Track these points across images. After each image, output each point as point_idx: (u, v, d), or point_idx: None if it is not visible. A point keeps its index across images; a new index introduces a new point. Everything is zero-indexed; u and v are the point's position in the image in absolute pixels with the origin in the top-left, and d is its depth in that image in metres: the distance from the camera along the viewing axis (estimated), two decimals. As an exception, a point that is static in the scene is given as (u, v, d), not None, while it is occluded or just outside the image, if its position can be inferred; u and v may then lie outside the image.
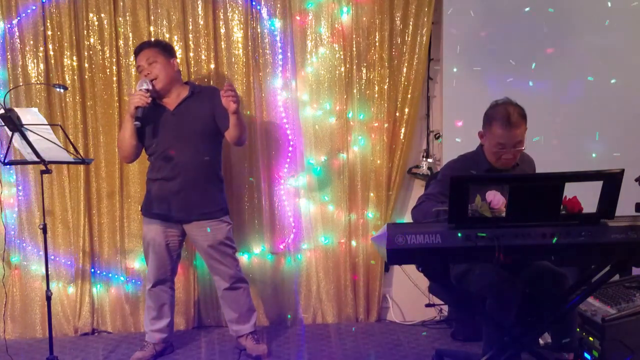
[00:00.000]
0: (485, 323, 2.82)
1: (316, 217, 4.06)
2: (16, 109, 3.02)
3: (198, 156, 3.41)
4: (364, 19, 3.90)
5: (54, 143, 3.07)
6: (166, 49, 3.48)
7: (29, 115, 3.02)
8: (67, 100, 3.89)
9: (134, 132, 3.36)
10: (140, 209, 3.66)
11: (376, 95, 3.97)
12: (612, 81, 3.89)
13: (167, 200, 3.42)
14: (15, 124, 2.97)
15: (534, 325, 2.78)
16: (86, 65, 3.88)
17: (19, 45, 3.85)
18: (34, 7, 3.82)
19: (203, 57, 3.89)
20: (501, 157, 2.86)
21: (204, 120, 3.42)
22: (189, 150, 3.39)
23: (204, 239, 3.47)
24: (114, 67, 3.87)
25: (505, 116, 2.80)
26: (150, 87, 3.35)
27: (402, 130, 3.97)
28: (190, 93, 3.47)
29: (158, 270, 3.52)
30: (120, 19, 3.87)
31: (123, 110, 3.90)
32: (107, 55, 3.87)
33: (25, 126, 2.99)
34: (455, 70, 3.91)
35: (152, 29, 3.87)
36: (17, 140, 3.09)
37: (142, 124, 3.33)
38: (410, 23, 3.89)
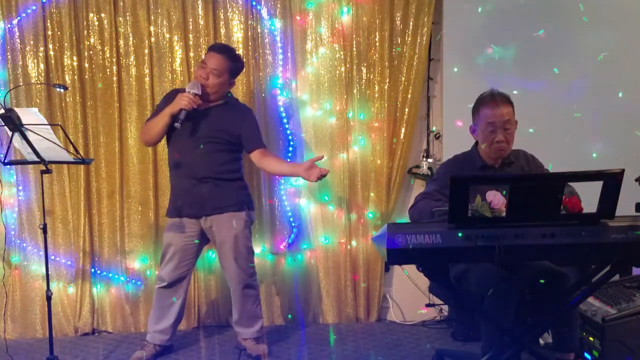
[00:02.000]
0: (485, 323, 2.82)
1: (316, 217, 4.06)
2: (16, 109, 3.01)
3: (217, 156, 3.40)
4: (364, 19, 3.90)
5: (54, 143, 3.07)
6: (235, 71, 3.47)
7: (29, 115, 3.02)
8: (67, 100, 3.89)
9: (167, 127, 3.35)
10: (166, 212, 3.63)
11: (376, 95, 3.97)
12: (614, 81, 3.89)
13: (185, 197, 3.42)
14: (15, 124, 2.97)
15: (534, 325, 2.78)
16: (86, 65, 3.88)
17: (19, 45, 3.85)
18: (34, 7, 3.82)
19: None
20: (494, 142, 2.86)
21: (227, 130, 3.40)
22: (209, 150, 3.37)
23: (221, 233, 3.43)
24: (114, 67, 3.87)
25: (490, 97, 2.91)
26: (199, 93, 3.32)
27: (402, 130, 3.97)
28: (224, 102, 3.47)
29: (172, 273, 3.47)
30: (120, 19, 3.87)
31: (123, 110, 3.90)
32: (107, 55, 3.87)
33: (25, 126, 2.99)
34: (455, 70, 3.92)
35: (152, 29, 3.87)
36: (17, 140, 3.08)
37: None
38: (410, 23, 3.89)
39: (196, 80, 3.38)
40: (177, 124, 3.28)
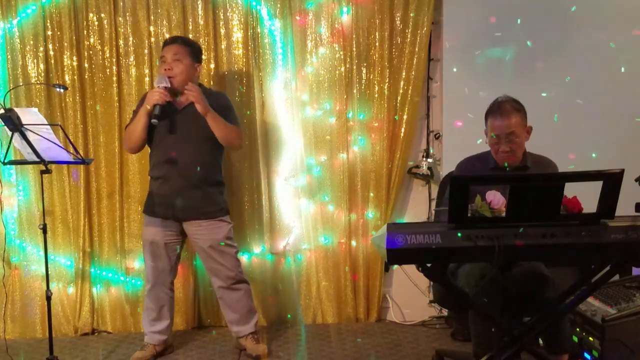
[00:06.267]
0: (473, 320, 2.85)
1: (316, 217, 4.06)
2: (16, 109, 3.02)
3: (200, 157, 3.41)
4: (364, 18, 3.90)
5: (54, 143, 3.07)
6: (195, 53, 3.46)
7: (29, 115, 3.02)
8: (67, 100, 3.89)
9: (146, 127, 3.35)
10: (142, 209, 3.65)
11: (376, 95, 3.96)
12: (613, 80, 3.89)
13: (168, 199, 3.42)
14: (15, 124, 2.97)
15: (526, 327, 2.77)
16: (86, 65, 3.88)
17: (19, 45, 3.86)
18: (34, 7, 3.83)
19: (203, 57, 3.89)
20: (498, 151, 2.90)
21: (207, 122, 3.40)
22: (191, 151, 3.39)
23: (203, 238, 3.47)
24: (114, 67, 3.87)
25: (496, 108, 2.91)
26: (168, 85, 3.31)
27: (402, 130, 3.96)
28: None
29: (157, 271, 3.51)
30: (120, 19, 3.87)
31: (123, 110, 3.90)
32: (107, 55, 3.87)
33: (25, 126, 2.99)
34: (455, 70, 3.92)
35: (152, 29, 3.87)
36: (17, 140, 3.09)
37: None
38: (410, 23, 3.89)
39: (162, 75, 3.36)
40: (153, 120, 3.28)
